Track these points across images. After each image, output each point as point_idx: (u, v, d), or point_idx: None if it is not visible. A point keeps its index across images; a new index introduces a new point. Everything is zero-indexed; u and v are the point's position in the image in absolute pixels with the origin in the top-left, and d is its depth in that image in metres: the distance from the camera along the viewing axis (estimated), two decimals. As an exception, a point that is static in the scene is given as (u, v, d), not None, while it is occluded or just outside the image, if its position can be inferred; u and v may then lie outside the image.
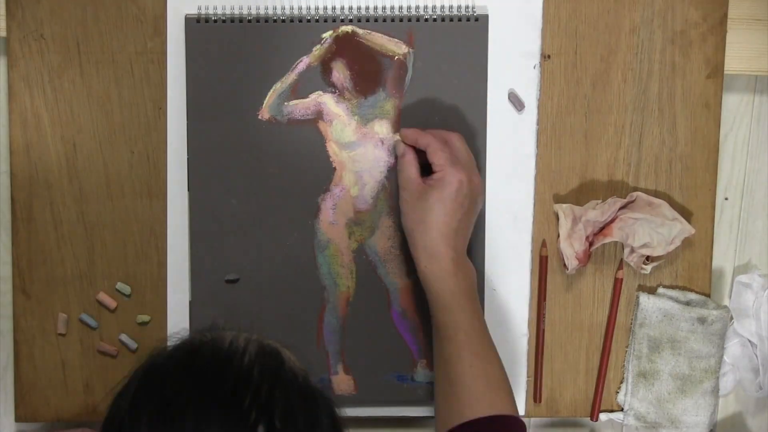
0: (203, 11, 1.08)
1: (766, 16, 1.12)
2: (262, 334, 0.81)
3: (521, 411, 1.12)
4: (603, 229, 1.11)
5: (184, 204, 1.09)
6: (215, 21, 1.07)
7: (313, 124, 1.08)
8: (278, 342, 0.82)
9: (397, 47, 1.08)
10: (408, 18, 1.08)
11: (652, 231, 1.10)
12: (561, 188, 1.12)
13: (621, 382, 1.14)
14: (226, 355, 0.77)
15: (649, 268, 1.11)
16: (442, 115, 1.08)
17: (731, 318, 1.14)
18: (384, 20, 1.08)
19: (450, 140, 1.03)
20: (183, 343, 0.80)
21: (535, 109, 1.11)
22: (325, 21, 1.08)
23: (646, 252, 1.10)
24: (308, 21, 1.07)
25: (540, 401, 1.13)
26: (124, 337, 1.10)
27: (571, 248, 1.10)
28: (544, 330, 1.13)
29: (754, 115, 1.16)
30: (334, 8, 1.08)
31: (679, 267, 1.13)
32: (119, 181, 1.10)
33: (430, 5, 1.08)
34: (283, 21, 1.07)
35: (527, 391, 1.13)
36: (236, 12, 1.08)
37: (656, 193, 1.12)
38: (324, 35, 1.08)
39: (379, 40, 1.08)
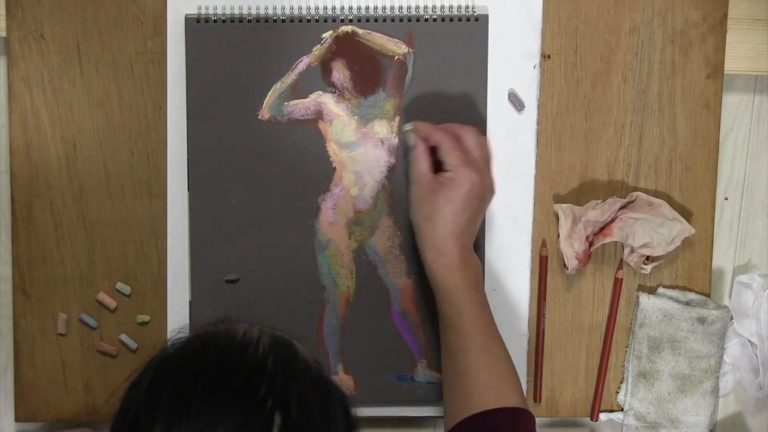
0: (203, 11, 1.08)
1: (766, 16, 1.12)
2: (274, 327, 0.81)
3: (521, 411, 1.12)
4: (603, 229, 1.11)
5: (184, 204, 1.09)
6: (215, 21, 1.07)
7: (313, 124, 1.08)
8: (290, 334, 0.82)
9: (397, 47, 1.08)
10: (408, 18, 1.08)
11: (652, 231, 1.10)
12: (561, 188, 1.12)
13: (621, 382, 1.14)
14: (240, 345, 0.77)
15: (649, 268, 1.11)
16: (442, 115, 1.08)
17: (731, 318, 1.14)
18: (384, 20, 1.08)
19: (463, 136, 1.02)
20: (196, 335, 0.80)
21: (535, 109, 1.11)
22: (325, 21, 1.08)
23: (646, 252, 1.10)
24: (308, 21, 1.07)
25: (540, 401, 1.13)
26: (124, 337, 1.10)
27: (571, 248, 1.10)
28: (544, 330, 1.13)
29: (754, 115, 1.16)
30: (334, 8, 1.08)
31: (679, 267, 1.13)
32: (119, 181, 1.10)
33: (430, 5, 1.08)
34: (283, 21, 1.07)
35: (527, 391, 1.12)
36: (236, 12, 1.08)
37: (656, 193, 1.12)
38: (324, 35, 1.08)
39: (379, 40, 1.08)
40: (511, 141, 1.10)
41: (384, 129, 1.09)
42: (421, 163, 1.03)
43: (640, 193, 1.11)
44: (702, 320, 1.11)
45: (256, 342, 0.78)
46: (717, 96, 1.11)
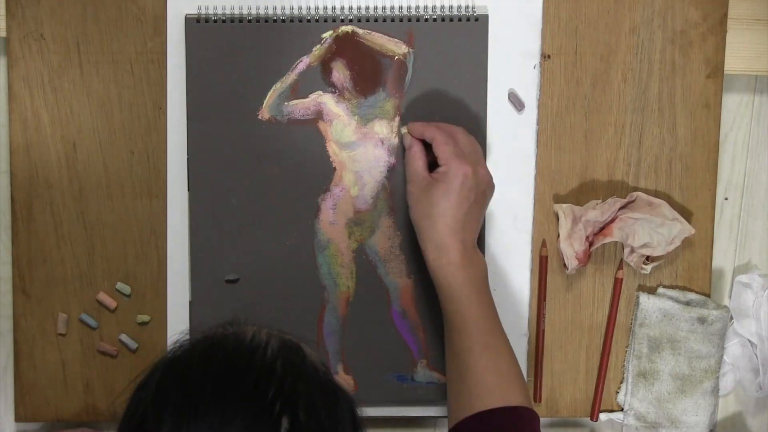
0: (203, 11, 1.08)
1: (766, 16, 1.12)
2: (282, 330, 0.81)
3: (521, 411, 1.12)
4: (603, 229, 1.11)
5: (184, 204, 1.09)
6: (215, 21, 1.07)
7: (313, 124, 1.08)
8: (298, 337, 0.82)
9: (397, 47, 1.08)
10: (408, 18, 1.08)
11: (652, 231, 1.10)
12: (561, 188, 1.12)
13: (621, 382, 1.14)
14: (249, 348, 0.77)
15: (649, 268, 1.11)
16: (442, 115, 1.08)
17: (731, 318, 1.14)
18: (384, 20, 1.08)
19: (454, 134, 1.03)
20: (204, 337, 0.80)
21: (535, 109, 1.11)
22: (325, 21, 1.08)
23: (646, 252, 1.10)
24: (308, 21, 1.07)
25: (540, 401, 1.13)
26: (124, 337, 1.10)
27: (571, 248, 1.10)
28: (544, 330, 1.13)
29: (754, 115, 1.16)
30: (334, 8, 1.08)
31: (679, 267, 1.13)
32: (119, 181, 1.10)
33: (430, 5, 1.08)
34: (283, 21, 1.07)
35: (527, 391, 1.13)
36: (236, 12, 1.08)
37: (656, 193, 1.12)
38: (324, 35, 1.08)
39: (379, 40, 1.08)
40: (511, 141, 1.10)
41: (384, 129, 1.09)
42: (416, 162, 1.03)
43: (640, 193, 1.11)
44: (702, 320, 1.11)
45: (265, 345, 0.78)
46: (717, 96, 1.11)
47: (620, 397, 1.14)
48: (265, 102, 1.08)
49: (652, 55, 1.11)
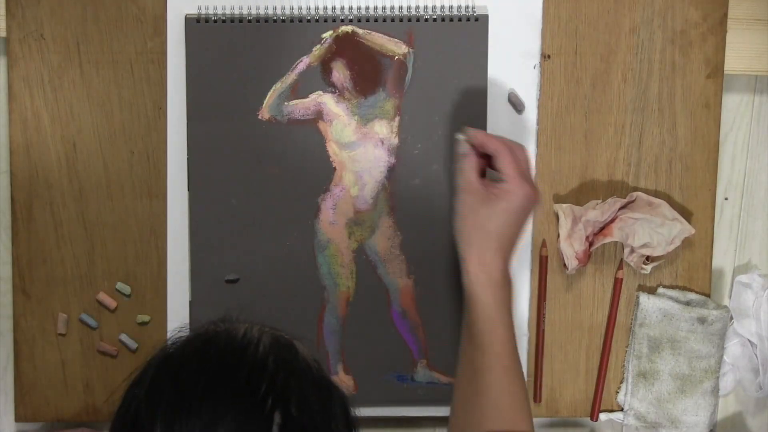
0: (203, 11, 1.08)
1: (766, 16, 1.12)
2: (275, 327, 0.82)
3: (521, 411, 1.12)
4: (603, 229, 1.11)
5: (184, 204, 1.09)
6: (215, 21, 1.07)
7: (313, 124, 1.08)
8: (291, 334, 0.82)
9: (397, 47, 1.08)
10: (408, 18, 1.08)
11: (652, 231, 1.10)
12: (561, 188, 1.12)
13: (621, 382, 1.14)
14: (241, 344, 0.78)
15: (649, 268, 1.11)
16: (442, 115, 1.08)
17: (731, 318, 1.14)
18: (384, 20, 1.08)
19: (515, 150, 1.01)
20: (197, 334, 0.80)
21: (535, 109, 1.11)
22: (325, 21, 1.08)
23: (646, 252, 1.10)
24: (308, 21, 1.07)
25: (540, 401, 1.13)
26: (124, 337, 1.10)
27: (571, 248, 1.10)
28: (544, 330, 1.13)
29: (754, 115, 1.16)
30: (334, 8, 1.08)
31: (679, 267, 1.13)
32: (119, 181, 1.10)
33: (430, 5, 1.08)
34: (283, 21, 1.07)
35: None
36: (236, 12, 1.08)
37: (656, 193, 1.12)
38: (324, 35, 1.08)
39: (379, 40, 1.08)
40: (511, 141, 1.10)
41: (384, 129, 1.09)
42: (471, 173, 1.01)
43: (640, 193, 1.11)
44: (702, 320, 1.11)
45: (257, 341, 0.78)
46: (717, 96, 1.11)
47: (620, 397, 1.14)
48: (265, 102, 1.08)
49: (652, 55, 1.11)
